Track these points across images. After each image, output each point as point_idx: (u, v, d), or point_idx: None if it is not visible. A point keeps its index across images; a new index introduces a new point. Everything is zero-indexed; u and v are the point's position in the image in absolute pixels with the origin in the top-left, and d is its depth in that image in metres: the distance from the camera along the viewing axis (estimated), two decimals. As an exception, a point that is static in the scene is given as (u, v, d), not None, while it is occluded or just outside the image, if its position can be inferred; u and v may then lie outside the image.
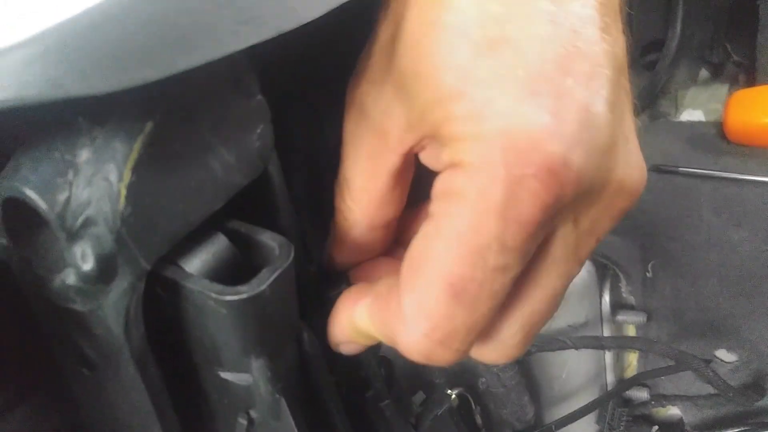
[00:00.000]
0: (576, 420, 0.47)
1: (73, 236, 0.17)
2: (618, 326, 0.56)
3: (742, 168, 0.50)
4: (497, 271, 0.18)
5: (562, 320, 0.50)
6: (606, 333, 0.54)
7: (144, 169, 0.17)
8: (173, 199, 0.18)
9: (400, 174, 0.22)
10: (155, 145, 0.17)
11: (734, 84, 0.60)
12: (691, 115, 0.60)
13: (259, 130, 0.20)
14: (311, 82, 0.25)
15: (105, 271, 0.17)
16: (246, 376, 0.21)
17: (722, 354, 0.52)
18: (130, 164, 0.17)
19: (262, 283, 0.19)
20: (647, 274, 0.54)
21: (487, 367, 0.42)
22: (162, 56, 0.15)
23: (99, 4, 0.15)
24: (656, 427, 0.56)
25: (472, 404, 0.41)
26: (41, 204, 0.16)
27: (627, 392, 0.55)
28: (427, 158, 0.21)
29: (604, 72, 0.18)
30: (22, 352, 0.22)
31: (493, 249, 0.18)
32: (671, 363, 0.48)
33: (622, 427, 0.54)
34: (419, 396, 0.38)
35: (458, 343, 0.20)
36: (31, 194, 0.16)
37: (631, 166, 0.20)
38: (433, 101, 0.19)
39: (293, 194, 0.23)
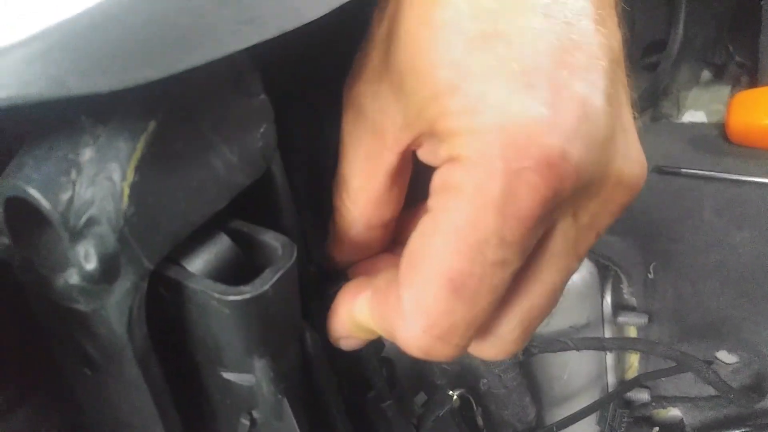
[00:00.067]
0: (577, 421, 0.47)
1: (76, 236, 0.17)
2: (619, 328, 0.56)
3: (743, 169, 0.50)
4: (496, 266, 0.18)
5: (563, 321, 0.50)
6: (607, 334, 0.54)
7: (147, 168, 0.17)
8: (176, 198, 0.18)
9: (397, 173, 0.22)
10: (158, 144, 0.17)
11: (736, 85, 0.60)
12: (693, 116, 0.60)
13: (262, 130, 0.20)
14: (311, 82, 0.25)
15: (108, 270, 0.17)
16: (248, 376, 0.21)
17: (723, 355, 0.52)
18: (133, 163, 0.17)
19: (265, 283, 0.19)
20: (649, 275, 0.54)
21: (489, 368, 0.42)
22: (164, 55, 0.15)
23: (101, 3, 0.15)
24: (657, 429, 0.56)
25: (474, 405, 0.41)
26: (44, 203, 0.16)
27: (628, 394, 0.55)
28: (424, 155, 0.21)
29: (600, 64, 0.18)
30: (22, 352, 0.22)
31: (492, 243, 0.18)
32: (672, 364, 0.48)
33: (623, 429, 0.54)
34: (421, 397, 0.38)
35: (457, 338, 0.19)
36: (34, 193, 0.16)
37: (631, 159, 0.20)
38: (428, 97, 0.19)
39: (294, 194, 0.23)
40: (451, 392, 0.39)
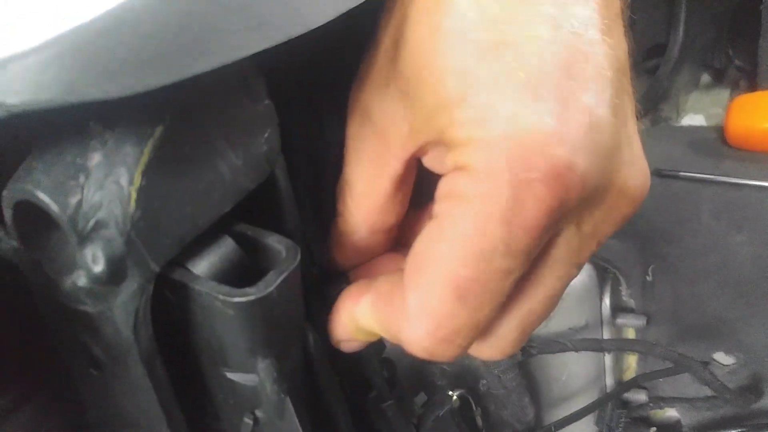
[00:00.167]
0: (575, 421, 0.47)
1: (84, 239, 0.17)
2: (618, 329, 0.56)
3: (742, 172, 0.50)
4: (501, 273, 0.19)
5: (562, 323, 0.50)
6: (606, 336, 0.54)
7: (154, 172, 0.17)
8: (182, 202, 0.18)
9: (402, 179, 0.22)
10: (165, 149, 0.17)
11: (735, 89, 0.60)
12: (693, 119, 0.60)
13: (266, 135, 0.20)
14: (314, 86, 0.25)
15: (115, 272, 0.17)
16: (252, 376, 0.21)
17: (720, 357, 0.53)
18: (140, 168, 0.17)
19: (269, 285, 0.19)
20: (647, 277, 0.54)
21: (488, 369, 0.42)
22: (173, 61, 0.15)
23: (112, 9, 0.15)
24: (654, 429, 0.56)
25: (473, 405, 0.41)
26: (53, 207, 0.17)
27: (626, 394, 0.55)
28: (430, 162, 0.22)
29: (606, 74, 0.18)
30: (26, 353, 0.23)
31: (498, 252, 0.18)
32: (670, 366, 0.48)
33: (620, 429, 0.54)
34: (421, 397, 0.38)
35: (461, 339, 0.20)
36: (43, 197, 0.17)
37: (635, 169, 0.20)
38: (436, 106, 0.19)
39: (297, 197, 0.23)
40: (450, 393, 0.39)
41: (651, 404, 0.55)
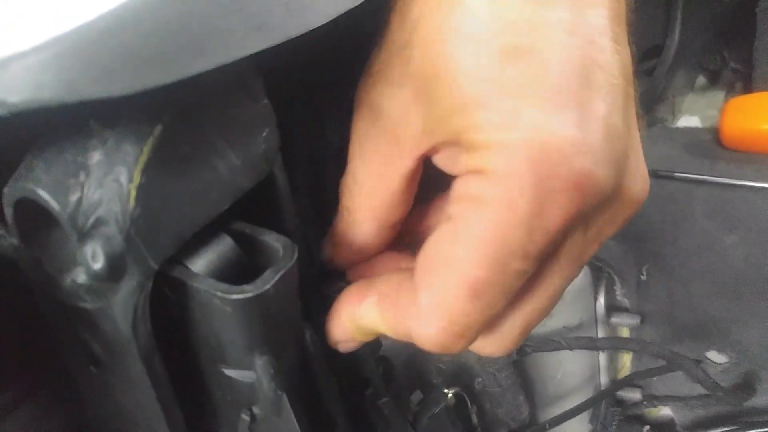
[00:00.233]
0: (569, 419, 0.47)
1: (84, 236, 0.17)
2: (612, 328, 0.56)
3: (736, 173, 0.51)
4: (516, 275, 0.19)
5: (557, 322, 0.50)
6: (600, 335, 0.54)
7: (153, 171, 0.17)
8: (181, 200, 0.18)
9: (411, 177, 0.22)
10: (164, 147, 0.17)
11: (731, 91, 0.61)
12: (688, 121, 0.60)
13: (264, 134, 0.20)
14: (315, 86, 0.25)
15: (114, 270, 0.17)
16: (249, 373, 0.21)
17: (713, 355, 0.53)
18: (140, 166, 0.17)
19: (266, 282, 0.19)
20: (642, 277, 0.54)
21: (484, 367, 0.43)
22: (173, 60, 0.16)
23: (112, 9, 0.16)
24: (648, 427, 0.57)
25: (469, 403, 0.41)
26: (53, 204, 0.17)
27: (620, 392, 0.55)
28: (441, 161, 0.22)
29: (617, 83, 0.19)
30: (25, 351, 0.23)
31: (516, 255, 0.19)
32: (664, 364, 0.48)
33: (614, 427, 0.55)
34: (417, 395, 0.38)
35: (473, 333, 0.20)
36: (43, 195, 0.17)
37: (638, 175, 0.20)
38: (453, 107, 0.19)
39: (295, 196, 0.24)
40: (446, 390, 0.40)
41: (645, 402, 0.55)
